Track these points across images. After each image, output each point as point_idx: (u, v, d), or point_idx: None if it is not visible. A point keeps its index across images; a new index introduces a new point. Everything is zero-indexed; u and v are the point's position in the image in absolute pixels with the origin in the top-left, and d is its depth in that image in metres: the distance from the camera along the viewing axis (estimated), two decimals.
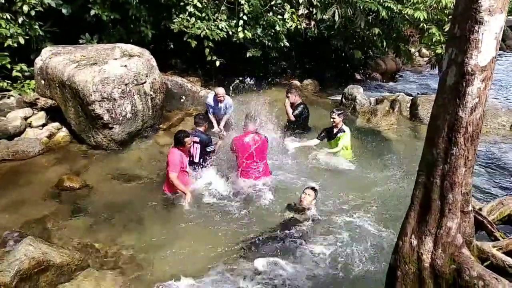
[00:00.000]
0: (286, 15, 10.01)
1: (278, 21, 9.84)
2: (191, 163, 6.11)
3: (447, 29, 9.26)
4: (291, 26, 10.09)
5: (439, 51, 9.99)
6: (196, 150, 6.17)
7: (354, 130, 7.93)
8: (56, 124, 7.49)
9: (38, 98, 7.44)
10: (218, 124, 7.90)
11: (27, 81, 8.07)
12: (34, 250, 3.98)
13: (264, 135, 6.05)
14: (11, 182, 5.97)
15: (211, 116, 7.89)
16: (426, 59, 16.95)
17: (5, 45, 7.48)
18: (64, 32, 8.44)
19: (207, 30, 9.07)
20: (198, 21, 9.20)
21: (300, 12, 10.32)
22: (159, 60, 8.05)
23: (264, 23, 9.86)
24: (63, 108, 7.26)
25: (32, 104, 7.45)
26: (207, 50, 9.47)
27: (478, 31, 2.65)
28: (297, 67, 13.33)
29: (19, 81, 8.08)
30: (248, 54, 10.15)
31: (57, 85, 7.10)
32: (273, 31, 9.96)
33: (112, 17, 8.45)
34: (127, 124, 7.08)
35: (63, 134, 7.43)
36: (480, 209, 4.03)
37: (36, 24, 7.89)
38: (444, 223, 2.93)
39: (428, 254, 2.97)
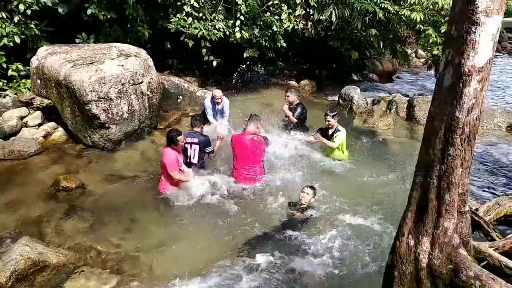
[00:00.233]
0: (283, 16, 10.02)
1: (275, 21, 9.85)
2: (189, 164, 6.10)
3: (443, 30, 9.32)
4: (288, 26, 10.11)
5: (435, 52, 10.05)
6: (194, 151, 6.16)
7: (351, 131, 7.96)
8: (52, 124, 7.46)
9: (34, 98, 7.40)
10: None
11: (23, 81, 8.04)
12: (30, 250, 3.97)
13: (263, 137, 6.03)
14: (7, 182, 5.94)
15: (210, 117, 7.85)
16: (422, 60, 17.08)
17: (1, 44, 7.47)
18: (61, 31, 8.42)
19: (204, 30, 9.06)
20: (195, 21, 9.19)
21: (297, 12, 10.34)
22: (156, 60, 8.03)
23: (261, 23, 9.87)
24: (59, 108, 7.23)
25: (28, 104, 7.42)
26: (204, 50, 9.46)
27: (475, 32, 2.65)
28: (294, 68, 13.34)
29: (15, 81, 8.06)
30: (245, 55, 10.15)
31: (53, 84, 7.07)
32: (270, 31, 9.97)
33: (108, 16, 8.43)
34: (124, 124, 7.06)
35: (59, 133, 7.41)
36: (477, 209, 4.05)
37: (32, 23, 7.86)
38: (441, 223, 2.94)
39: (425, 254, 2.98)
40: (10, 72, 7.91)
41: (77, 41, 8.44)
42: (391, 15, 10.48)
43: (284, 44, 10.42)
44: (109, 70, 6.84)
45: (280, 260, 4.41)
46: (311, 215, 5.14)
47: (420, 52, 17.33)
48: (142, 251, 4.61)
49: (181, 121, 8.48)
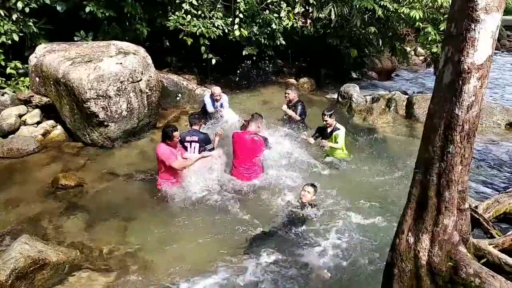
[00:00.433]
0: (283, 13, 10.01)
1: (274, 19, 9.85)
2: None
3: (442, 28, 9.32)
4: (287, 24, 10.10)
5: (434, 50, 10.06)
6: (194, 149, 6.14)
7: (350, 129, 7.95)
8: (51, 122, 7.45)
9: (33, 96, 7.39)
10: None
11: (22, 79, 8.03)
12: (30, 249, 3.97)
13: (263, 137, 6.01)
14: (6, 180, 5.93)
15: (209, 109, 7.80)
16: (421, 58, 17.07)
17: None
18: (59, 29, 8.40)
19: (203, 28, 9.05)
20: (194, 18, 9.18)
21: (296, 10, 10.33)
22: (154, 58, 8.02)
23: (260, 21, 9.86)
24: (58, 106, 7.22)
25: (26, 102, 7.40)
26: (203, 48, 9.45)
27: (474, 30, 2.65)
28: (293, 66, 13.34)
29: (13, 79, 8.05)
30: (244, 52, 10.14)
31: (51, 82, 7.05)
32: (269, 29, 9.96)
33: (107, 14, 8.41)
34: (123, 121, 7.05)
35: (58, 131, 7.40)
36: (476, 207, 4.06)
37: (31, 21, 7.85)
38: (441, 221, 2.94)
39: (425, 251, 2.98)
40: (8, 70, 7.90)
41: (75, 39, 8.43)
42: (390, 13, 10.48)
43: (283, 42, 10.42)
44: (108, 68, 6.82)
45: (281, 258, 4.42)
46: (312, 213, 5.14)
47: (419, 50, 17.33)
48: (142, 249, 4.61)
49: (180, 119, 8.48)
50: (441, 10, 10.06)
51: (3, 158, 6.50)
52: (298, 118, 7.60)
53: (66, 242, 4.65)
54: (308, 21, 11.28)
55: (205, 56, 9.64)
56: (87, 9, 8.07)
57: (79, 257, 4.36)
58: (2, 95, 7.51)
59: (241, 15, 9.60)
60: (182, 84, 9.41)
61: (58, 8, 8.00)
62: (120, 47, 7.54)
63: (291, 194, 5.61)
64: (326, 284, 4.12)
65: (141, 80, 7.30)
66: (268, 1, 10.07)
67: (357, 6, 10.05)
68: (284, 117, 7.83)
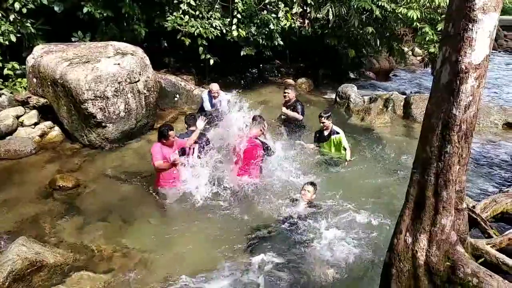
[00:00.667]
0: (280, 14, 10.01)
1: (272, 19, 9.84)
2: (189, 163, 6.08)
3: (440, 28, 9.33)
4: (285, 24, 10.10)
5: (432, 50, 10.05)
6: (192, 150, 6.14)
7: (348, 129, 7.95)
8: (49, 123, 7.43)
9: (30, 97, 7.37)
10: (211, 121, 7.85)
11: (19, 80, 8.00)
12: (27, 250, 3.95)
13: (264, 143, 5.99)
14: (3, 181, 5.91)
15: (206, 107, 7.80)
16: (419, 58, 17.09)
17: None
18: (57, 30, 8.38)
19: (201, 28, 9.04)
20: (192, 19, 9.17)
21: (294, 10, 10.34)
22: (152, 59, 8.01)
23: (258, 21, 9.85)
24: (55, 107, 7.20)
25: (24, 103, 7.38)
26: (201, 49, 9.44)
27: (472, 29, 2.66)
28: (291, 66, 13.34)
29: (10, 80, 8.02)
30: (242, 53, 10.14)
31: (49, 83, 7.04)
32: (267, 29, 9.95)
33: (105, 14, 8.39)
34: (121, 122, 7.04)
35: (55, 133, 7.38)
36: (474, 206, 4.06)
37: (28, 21, 7.82)
38: (439, 221, 2.94)
39: (423, 251, 2.99)
40: (5, 71, 7.87)
41: (73, 39, 8.41)
42: (387, 13, 10.49)
43: (281, 42, 10.41)
44: (106, 68, 6.81)
45: (282, 258, 4.42)
46: (313, 212, 5.15)
47: (417, 50, 17.35)
48: (140, 250, 4.60)
49: (178, 120, 8.47)
50: (438, 10, 10.07)
51: (1, 159, 6.49)
52: (301, 117, 7.62)
53: (63, 244, 4.64)
54: (306, 21, 11.28)
55: (203, 56, 9.63)
56: (85, 10, 8.05)
57: (77, 259, 4.35)
58: (0, 96, 7.48)
59: (239, 16, 9.60)
60: (180, 84, 9.41)
61: (56, 8, 7.98)
62: (118, 48, 7.52)
63: (291, 194, 5.61)
64: (326, 284, 4.12)
65: (139, 80, 7.29)
66: (266, 2, 10.07)
67: (355, 6, 10.06)
68: (283, 117, 7.82)
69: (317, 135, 7.07)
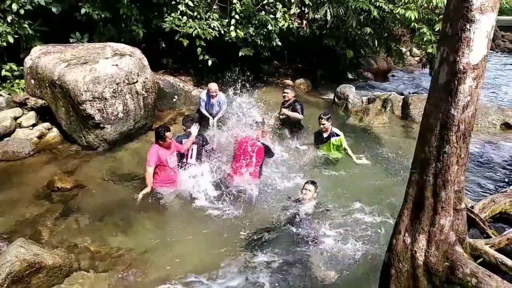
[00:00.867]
0: (278, 14, 10.01)
1: (270, 20, 9.84)
2: (187, 164, 6.08)
3: (437, 28, 9.36)
4: (283, 25, 10.09)
5: (430, 50, 10.08)
6: (191, 151, 6.14)
7: (346, 129, 7.97)
8: (47, 124, 7.41)
9: (28, 98, 7.34)
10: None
11: (17, 81, 7.98)
12: (26, 252, 3.93)
13: (266, 146, 6.00)
14: (2, 183, 5.89)
15: (203, 110, 7.85)
16: (417, 58, 17.16)
17: None
18: (54, 31, 8.35)
19: (199, 29, 9.03)
20: (190, 20, 9.16)
21: (292, 11, 10.33)
22: (150, 59, 8.00)
23: (256, 22, 9.85)
24: (53, 108, 7.19)
25: (22, 104, 7.35)
26: (199, 50, 9.43)
27: (469, 30, 2.67)
28: (289, 67, 13.34)
29: (8, 81, 7.99)
30: (240, 54, 10.14)
31: (47, 84, 7.02)
32: (265, 30, 9.95)
33: (102, 15, 8.37)
34: (119, 124, 7.02)
35: (53, 134, 7.36)
36: (472, 207, 4.06)
37: (26, 22, 7.79)
38: (437, 221, 2.95)
39: (422, 251, 2.99)
40: (3, 72, 7.85)
41: (71, 40, 8.39)
42: (385, 13, 10.51)
43: (279, 43, 10.42)
44: (104, 69, 6.80)
45: (283, 258, 4.44)
46: (314, 211, 5.17)
47: (415, 50, 17.40)
48: (139, 252, 4.59)
49: (176, 121, 8.45)
50: (436, 11, 10.09)
51: None
52: (301, 116, 7.63)
53: (62, 245, 4.62)
54: (304, 22, 11.29)
55: (201, 57, 9.62)
56: (83, 11, 8.03)
57: (76, 260, 4.33)
58: None
59: (237, 16, 9.60)
60: (179, 85, 9.40)
61: (53, 9, 7.96)
62: (116, 49, 7.51)
63: (292, 193, 5.60)
64: (326, 284, 4.12)
65: (137, 81, 7.28)
66: (264, 2, 10.06)
67: (353, 7, 10.08)
68: (281, 117, 7.82)
69: (317, 136, 7.07)
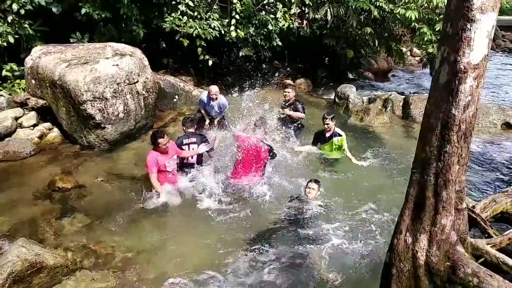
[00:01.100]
0: (279, 14, 10.02)
1: (271, 20, 9.85)
2: (188, 164, 6.09)
3: (438, 28, 9.36)
4: (284, 25, 10.10)
5: (430, 50, 10.09)
6: (192, 150, 6.15)
7: (347, 129, 7.95)
8: (48, 124, 7.42)
9: (29, 98, 7.35)
10: (211, 123, 7.87)
11: (18, 81, 7.99)
12: (27, 252, 3.93)
13: (269, 145, 6.00)
14: (3, 183, 5.89)
15: (203, 112, 7.86)
16: (417, 58, 17.14)
17: None
18: (55, 31, 8.36)
19: (199, 29, 9.04)
20: (190, 20, 9.16)
21: (292, 11, 10.34)
22: (151, 59, 8.00)
23: (256, 22, 9.86)
24: (54, 108, 7.19)
25: (22, 104, 7.36)
26: (199, 49, 9.44)
27: (470, 29, 2.66)
28: (289, 66, 13.35)
29: (9, 81, 8.00)
30: (240, 53, 10.14)
31: (48, 84, 7.02)
32: (266, 30, 9.96)
33: (103, 15, 8.38)
34: (120, 124, 7.03)
35: (54, 134, 7.37)
36: (474, 206, 4.06)
37: (26, 23, 7.80)
38: (439, 221, 2.95)
39: (423, 251, 2.99)
40: (4, 73, 7.86)
41: (71, 40, 8.40)
42: (386, 13, 10.51)
43: (280, 43, 10.43)
44: (104, 69, 6.80)
45: (285, 258, 4.44)
46: (318, 209, 5.20)
47: (415, 50, 17.38)
48: (140, 251, 4.59)
49: (177, 121, 8.45)
50: (436, 11, 10.09)
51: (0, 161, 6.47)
52: (303, 115, 7.62)
53: (63, 245, 4.63)
54: (304, 22, 11.30)
55: (201, 57, 9.63)
56: (83, 11, 8.04)
57: (77, 260, 4.33)
58: None
59: (237, 16, 9.60)
60: (179, 85, 9.40)
61: (54, 9, 7.97)
62: (116, 49, 7.52)
63: (295, 193, 5.61)
64: (328, 284, 4.12)
65: (137, 82, 7.29)
66: (264, 2, 10.07)
67: (353, 6, 10.08)
68: (281, 116, 7.81)
69: (318, 136, 7.05)
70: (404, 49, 14.38)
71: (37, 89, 7.33)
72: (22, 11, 7.49)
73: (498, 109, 9.29)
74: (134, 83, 7.22)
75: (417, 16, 9.60)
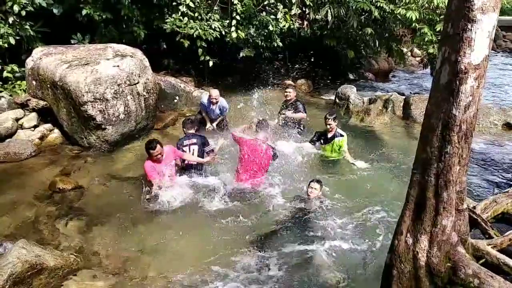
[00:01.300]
0: (279, 15, 10.02)
1: (271, 21, 9.85)
2: (188, 166, 6.09)
3: (438, 28, 9.36)
4: (284, 26, 10.11)
5: (431, 50, 10.09)
6: (193, 151, 6.16)
7: (348, 130, 7.95)
8: (48, 126, 7.43)
9: (30, 99, 7.36)
10: (212, 121, 7.89)
11: (18, 82, 7.99)
12: (27, 253, 3.93)
13: (272, 146, 5.99)
14: (3, 184, 5.89)
15: (204, 115, 7.89)
16: (418, 58, 17.15)
17: None
18: (56, 32, 8.37)
19: (200, 30, 9.04)
20: (191, 21, 9.17)
21: (293, 12, 10.35)
22: (151, 60, 8.00)
23: (257, 23, 9.86)
24: (55, 109, 7.20)
25: (23, 105, 7.37)
26: (200, 50, 9.44)
27: (471, 30, 2.66)
28: (290, 67, 13.35)
29: (10, 82, 8.00)
30: (241, 54, 10.14)
31: (48, 85, 7.03)
32: (266, 31, 9.96)
33: (104, 17, 8.39)
34: (120, 125, 7.03)
35: (55, 135, 7.37)
36: (474, 207, 4.06)
37: (27, 24, 7.81)
38: (439, 222, 2.94)
39: (424, 252, 2.99)
40: (5, 74, 7.86)
41: (72, 41, 8.40)
42: (386, 14, 10.52)
43: (280, 44, 10.43)
44: (105, 70, 6.80)
45: (287, 256, 4.46)
46: (320, 208, 5.22)
47: (416, 50, 17.40)
48: (141, 252, 4.59)
49: (177, 122, 8.46)
50: (437, 11, 10.09)
51: (0, 162, 6.47)
52: (305, 115, 7.62)
53: (63, 246, 4.62)
54: (305, 22, 11.31)
55: (202, 58, 9.63)
56: (84, 12, 8.05)
57: (77, 261, 4.33)
58: None
59: (238, 17, 9.60)
60: (180, 86, 9.41)
61: (55, 11, 7.97)
62: (117, 50, 7.52)
63: (296, 193, 5.61)
64: (329, 285, 4.12)
65: (138, 82, 7.29)
66: (265, 3, 10.08)
67: (354, 7, 10.08)
68: (282, 116, 7.80)
69: (319, 136, 7.04)
70: (404, 50, 14.39)
71: (38, 90, 7.34)
72: (23, 13, 7.50)
73: (499, 109, 9.28)
74: (135, 84, 7.22)
75: (417, 17, 9.60)
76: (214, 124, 7.81)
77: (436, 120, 2.88)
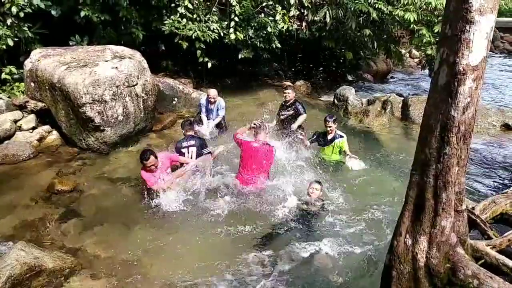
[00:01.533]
0: (278, 17, 10.02)
1: (270, 22, 9.85)
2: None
3: (437, 30, 9.38)
4: (283, 27, 10.11)
5: (429, 52, 10.11)
6: (191, 153, 6.16)
7: (346, 131, 7.96)
8: (47, 127, 7.41)
9: (28, 101, 7.35)
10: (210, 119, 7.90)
11: (17, 84, 7.98)
12: (26, 255, 3.93)
13: (273, 147, 5.99)
14: (1, 186, 5.88)
15: (203, 116, 7.89)
16: (416, 60, 17.19)
17: None
18: (54, 33, 8.35)
19: (198, 32, 9.04)
20: (189, 22, 9.17)
21: (291, 13, 10.35)
22: (150, 62, 8.00)
23: (255, 24, 9.86)
24: (53, 111, 7.19)
25: (22, 107, 7.36)
26: (198, 52, 9.44)
27: (469, 31, 2.67)
28: (288, 68, 13.37)
29: (8, 84, 7.99)
30: (240, 56, 10.15)
31: (47, 87, 7.02)
32: (265, 32, 9.97)
33: (102, 18, 8.37)
34: (119, 126, 7.02)
35: (53, 137, 7.36)
36: (473, 208, 4.05)
37: (25, 25, 7.79)
38: (438, 222, 2.94)
39: (423, 253, 2.99)
40: (3, 75, 7.85)
41: (70, 43, 8.39)
42: (384, 15, 10.54)
43: (279, 45, 10.43)
44: (103, 72, 6.80)
45: (288, 257, 4.47)
46: (322, 208, 5.24)
47: (414, 52, 17.45)
48: (139, 254, 4.58)
49: (176, 123, 8.46)
50: (435, 12, 10.13)
51: None
52: (305, 115, 7.62)
53: (62, 248, 4.62)
54: (303, 24, 11.32)
55: (200, 59, 9.63)
56: (82, 14, 8.03)
57: (76, 263, 4.32)
58: None
59: (236, 19, 9.61)
60: (178, 88, 9.41)
61: (53, 12, 7.96)
62: (116, 51, 7.52)
63: (297, 194, 5.60)
64: (329, 285, 4.12)
65: (137, 84, 7.29)
66: (263, 5, 10.08)
67: (352, 9, 10.10)
68: (281, 117, 7.79)
69: (319, 136, 7.03)
70: (403, 51, 14.43)
71: (36, 92, 7.33)
72: (21, 14, 7.49)
73: (497, 110, 9.31)
74: (134, 85, 7.22)
75: (415, 18, 9.63)
76: (213, 124, 7.80)
77: (434, 121, 2.88)
